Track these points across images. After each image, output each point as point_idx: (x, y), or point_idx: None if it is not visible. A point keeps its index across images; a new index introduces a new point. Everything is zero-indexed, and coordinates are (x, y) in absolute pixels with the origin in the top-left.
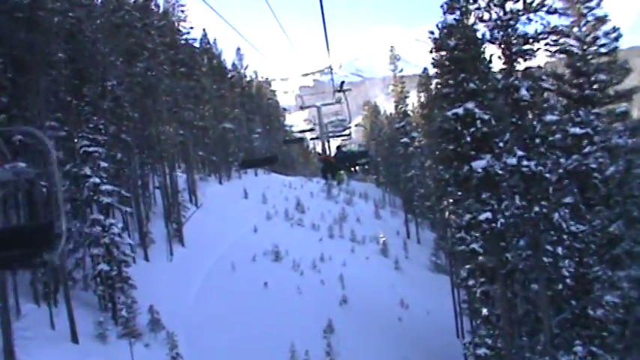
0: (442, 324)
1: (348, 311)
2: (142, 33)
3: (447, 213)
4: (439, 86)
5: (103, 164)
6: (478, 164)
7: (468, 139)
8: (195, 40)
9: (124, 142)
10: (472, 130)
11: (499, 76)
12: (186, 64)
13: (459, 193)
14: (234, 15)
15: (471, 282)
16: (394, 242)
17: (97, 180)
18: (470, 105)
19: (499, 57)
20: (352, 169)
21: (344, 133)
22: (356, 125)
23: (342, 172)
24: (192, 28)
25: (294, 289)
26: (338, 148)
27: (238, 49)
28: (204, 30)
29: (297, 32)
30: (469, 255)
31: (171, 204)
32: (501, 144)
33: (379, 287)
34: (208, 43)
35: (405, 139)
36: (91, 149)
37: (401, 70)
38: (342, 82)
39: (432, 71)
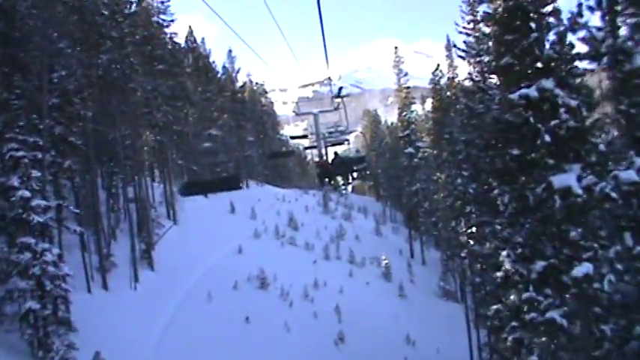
0: None
1: (345, 352)
2: (106, 20)
3: (465, 239)
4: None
5: (36, 173)
6: (563, 180)
7: (547, 138)
8: (175, 34)
9: (74, 146)
10: (552, 123)
11: (598, 34)
12: (165, 61)
13: (527, 224)
14: (233, 23)
15: (497, 322)
16: (397, 263)
17: (27, 193)
18: (547, 83)
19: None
20: (350, 174)
21: (342, 138)
22: (351, 132)
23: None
24: (172, 21)
25: (282, 324)
26: (335, 153)
27: (230, 50)
28: (190, 27)
29: (297, 44)
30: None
31: (143, 221)
32: (602, 146)
33: (381, 319)
34: (195, 41)
35: (409, 150)
36: (19, 154)
37: (405, 74)
38: (341, 88)
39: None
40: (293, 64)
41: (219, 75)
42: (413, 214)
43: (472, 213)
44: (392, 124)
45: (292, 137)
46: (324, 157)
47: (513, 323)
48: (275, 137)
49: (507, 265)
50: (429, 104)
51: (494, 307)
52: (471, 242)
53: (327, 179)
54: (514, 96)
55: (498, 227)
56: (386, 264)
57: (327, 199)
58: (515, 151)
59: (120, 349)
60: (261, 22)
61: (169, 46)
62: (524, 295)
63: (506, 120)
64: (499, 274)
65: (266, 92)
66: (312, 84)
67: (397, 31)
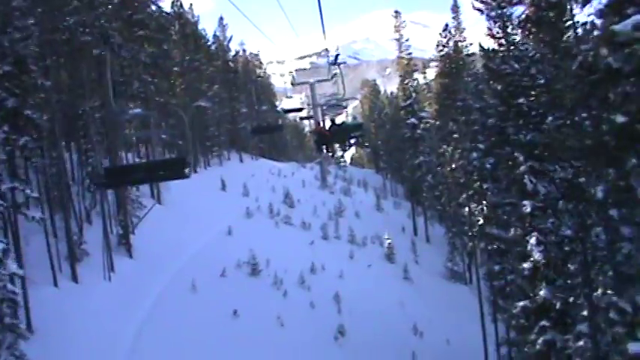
0: (467, 358)
1: (346, 348)
2: None
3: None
4: None
5: None
6: None
7: None
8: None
9: (30, 121)
10: None
11: None
12: (146, 26)
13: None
14: None
15: (523, 320)
16: (400, 242)
17: None
18: None
19: None
20: (347, 141)
21: (340, 107)
22: (348, 99)
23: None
24: None
25: (274, 318)
26: (332, 121)
27: (221, 18)
28: None
29: (294, 16)
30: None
31: (121, 202)
32: None
33: (385, 307)
34: (181, 6)
35: (412, 120)
36: None
37: (407, 40)
38: (337, 55)
39: None
40: (291, 37)
41: (209, 43)
42: (415, 189)
43: (487, 191)
44: (392, 93)
45: (286, 111)
46: (321, 125)
47: (543, 322)
48: (272, 110)
49: (537, 256)
50: (430, 74)
51: (521, 303)
52: (485, 223)
53: (324, 146)
54: (623, 26)
55: (527, 210)
56: (389, 244)
57: (325, 172)
58: (621, 118)
59: (89, 351)
60: None
61: (151, 10)
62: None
63: (608, 66)
64: (526, 265)
65: (261, 62)
66: (310, 55)
67: (393, 2)
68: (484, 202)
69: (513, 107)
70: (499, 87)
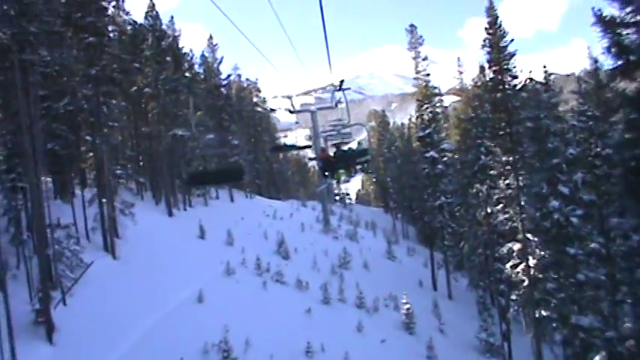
0: None
1: None
2: None
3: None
4: None
5: None
6: None
7: None
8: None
9: None
10: None
11: None
12: (98, 31)
13: None
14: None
15: None
16: (418, 302)
17: None
18: None
19: None
20: (352, 167)
21: (345, 134)
22: (355, 125)
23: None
24: None
25: None
26: (337, 146)
27: (210, 37)
28: (151, 1)
29: (300, 51)
30: None
31: (45, 261)
32: None
33: None
34: (158, 16)
35: (431, 154)
36: None
37: (425, 58)
38: (342, 81)
39: None
40: (298, 71)
41: (192, 63)
42: (434, 235)
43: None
44: (402, 124)
45: (297, 147)
46: (326, 151)
47: None
48: (273, 141)
49: None
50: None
51: None
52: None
53: (329, 173)
54: None
55: None
56: (407, 309)
57: (328, 213)
58: None
59: None
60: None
61: (107, 15)
62: None
63: None
64: None
65: (259, 90)
66: (315, 90)
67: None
68: (531, 257)
69: None
70: None
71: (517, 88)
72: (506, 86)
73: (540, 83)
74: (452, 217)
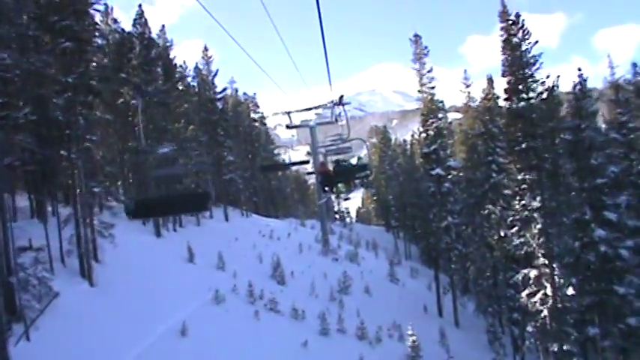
0: None
1: None
2: None
3: None
4: None
5: None
6: None
7: None
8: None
9: None
10: None
11: None
12: (76, 36)
13: None
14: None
15: None
16: (424, 330)
17: None
18: None
19: None
20: (351, 182)
21: (345, 148)
22: (355, 139)
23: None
24: None
25: None
26: (337, 161)
27: (205, 48)
28: (139, 6)
29: (302, 71)
30: None
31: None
32: None
33: None
34: (146, 23)
35: (437, 171)
36: None
37: (430, 70)
38: (342, 96)
39: None
40: (300, 89)
41: (184, 74)
42: (438, 256)
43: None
44: (404, 141)
45: (290, 164)
46: (326, 165)
47: None
48: (271, 158)
49: None
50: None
51: None
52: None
53: (328, 187)
54: None
55: None
56: (413, 341)
57: (328, 234)
58: None
59: None
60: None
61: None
62: None
63: None
64: None
65: (257, 105)
66: (316, 107)
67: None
68: (549, 286)
69: None
70: None
71: (542, 96)
72: (530, 94)
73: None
74: (458, 238)
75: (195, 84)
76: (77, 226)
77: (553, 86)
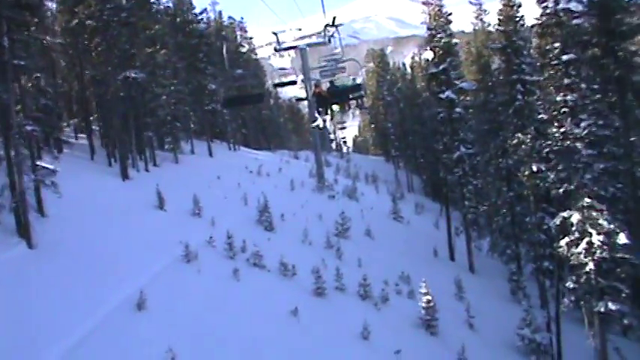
0: None
1: None
2: None
3: None
4: None
5: None
6: None
7: None
8: None
9: None
10: None
11: None
12: None
13: None
14: None
15: None
16: (435, 278)
17: None
18: None
19: None
20: (346, 103)
21: (339, 66)
22: (349, 60)
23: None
24: None
25: None
26: (331, 82)
27: None
28: None
29: None
30: None
31: None
32: None
33: None
34: None
35: (447, 94)
36: None
37: None
38: (335, 17)
39: None
40: (295, 18)
41: None
42: (448, 191)
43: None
44: (403, 64)
45: (276, 85)
46: (320, 86)
47: None
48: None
49: None
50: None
51: None
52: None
53: (323, 109)
54: None
55: None
56: (427, 300)
57: (323, 167)
58: None
59: None
60: None
61: None
62: None
63: None
64: None
65: (245, 30)
66: (310, 36)
67: None
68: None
69: None
70: None
71: None
72: None
73: None
74: (472, 170)
75: (170, 4)
76: (10, 174)
77: None
